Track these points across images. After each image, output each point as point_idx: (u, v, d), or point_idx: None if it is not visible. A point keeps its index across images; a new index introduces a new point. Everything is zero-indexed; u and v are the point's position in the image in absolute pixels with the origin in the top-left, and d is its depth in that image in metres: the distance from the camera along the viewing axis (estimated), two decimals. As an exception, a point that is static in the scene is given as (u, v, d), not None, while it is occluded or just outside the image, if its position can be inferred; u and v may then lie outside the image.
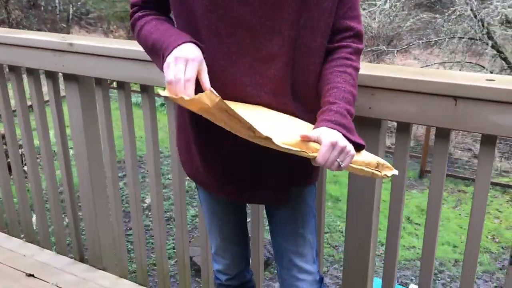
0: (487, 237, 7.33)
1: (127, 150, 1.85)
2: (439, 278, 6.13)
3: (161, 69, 1.03)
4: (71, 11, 15.90)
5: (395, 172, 1.04)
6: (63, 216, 2.23)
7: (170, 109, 1.70)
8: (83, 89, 1.87)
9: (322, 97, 1.06)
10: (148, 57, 1.59)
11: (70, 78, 1.85)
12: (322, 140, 0.94)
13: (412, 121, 1.28)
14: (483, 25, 9.43)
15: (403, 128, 1.34)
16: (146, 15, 1.15)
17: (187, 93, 0.95)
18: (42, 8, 15.61)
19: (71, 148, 1.96)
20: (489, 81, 1.18)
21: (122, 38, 16.56)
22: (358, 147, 1.01)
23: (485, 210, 1.29)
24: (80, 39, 1.77)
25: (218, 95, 0.88)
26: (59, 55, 1.79)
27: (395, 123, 1.34)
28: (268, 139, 0.91)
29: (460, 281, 1.39)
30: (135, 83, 1.72)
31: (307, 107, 1.10)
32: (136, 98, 8.24)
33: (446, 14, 11.02)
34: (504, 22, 10.11)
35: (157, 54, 1.06)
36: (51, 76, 1.93)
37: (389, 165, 1.04)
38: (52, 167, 2.12)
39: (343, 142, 0.95)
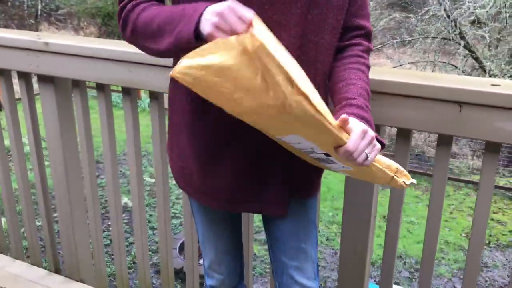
0: (461, 235, 7.44)
1: (107, 156, 1.75)
2: (415, 277, 6.18)
3: (178, 40, 0.91)
4: (39, 7, 15.44)
5: (413, 181, 0.98)
6: (36, 222, 2.11)
7: (155, 113, 1.61)
8: (59, 91, 1.75)
9: (336, 94, 1.02)
10: (131, 58, 1.51)
11: (45, 79, 1.73)
12: (353, 128, 0.88)
13: (414, 128, 1.22)
14: (455, 26, 9.57)
15: (404, 134, 1.28)
16: (141, 2, 1.02)
17: (238, 28, 0.82)
18: (9, 3, 15.12)
19: (44, 147, 1.83)
20: (495, 86, 1.13)
21: (93, 35, 16.20)
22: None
23: (488, 216, 1.25)
24: (56, 38, 1.66)
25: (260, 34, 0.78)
26: (33, 55, 1.68)
27: (394, 129, 1.29)
28: (305, 96, 0.81)
29: (420, 274, 1.35)
30: (116, 86, 1.62)
31: None
32: (115, 97, 8.06)
33: (420, 14, 11.15)
34: (476, 22, 10.29)
35: (173, 24, 0.92)
36: (24, 76, 1.80)
37: (406, 172, 0.98)
38: (24, 168, 1.99)
39: (372, 132, 0.90)
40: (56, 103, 1.75)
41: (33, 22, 15.35)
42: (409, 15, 12.12)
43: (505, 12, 7.99)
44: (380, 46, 12.03)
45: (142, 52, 1.44)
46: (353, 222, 1.43)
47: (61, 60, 1.64)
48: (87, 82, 1.74)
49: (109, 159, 1.75)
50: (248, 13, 0.80)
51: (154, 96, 1.59)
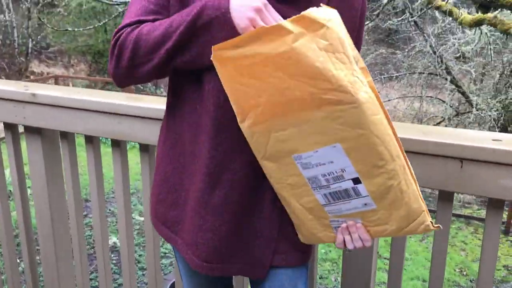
0: (454, 270, 7.35)
1: (95, 208, 1.69)
2: (412, 316, 6.05)
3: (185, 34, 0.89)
4: (30, 45, 15.51)
5: (440, 226, 0.93)
6: (18, 261, 2.00)
7: (145, 166, 1.56)
8: (46, 143, 1.70)
9: None
10: (121, 110, 1.47)
11: (32, 131, 1.69)
12: None
13: (414, 184, 1.18)
14: (441, 61, 9.73)
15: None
16: (140, 23, 0.98)
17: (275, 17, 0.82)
18: (0, 42, 15.17)
19: (29, 187, 1.76)
20: (496, 142, 1.10)
21: (84, 72, 16.26)
22: None
23: (494, 273, 1.20)
24: (44, 89, 1.62)
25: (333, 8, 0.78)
26: (20, 106, 1.63)
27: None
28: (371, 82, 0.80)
29: None
30: (106, 137, 1.57)
31: None
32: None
33: (406, 50, 11.35)
34: (461, 57, 10.48)
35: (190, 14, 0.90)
36: (10, 128, 1.75)
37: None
38: (6, 207, 1.91)
39: None
40: (43, 155, 1.70)
41: (23, 60, 15.39)
42: (396, 51, 12.33)
43: (490, 49, 8.15)
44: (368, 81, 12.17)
45: (134, 104, 1.41)
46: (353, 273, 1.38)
47: (48, 112, 1.59)
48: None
49: (97, 202, 1.68)
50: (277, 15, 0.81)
51: (145, 148, 1.54)
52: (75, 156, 1.69)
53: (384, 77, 11.55)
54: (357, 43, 1.02)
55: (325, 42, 0.77)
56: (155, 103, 1.46)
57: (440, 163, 1.13)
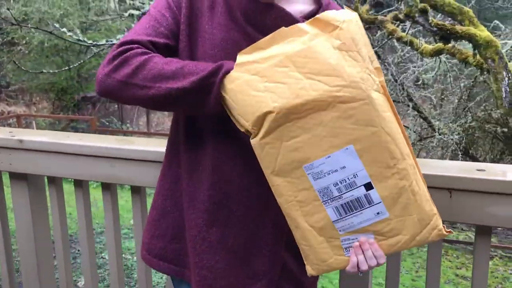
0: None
1: (85, 254, 1.67)
2: None
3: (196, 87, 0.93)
4: (-11, 84, 15.18)
5: (451, 231, 0.97)
6: None
7: (137, 208, 1.56)
8: (33, 189, 1.68)
9: None
10: (113, 154, 1.48)
11: (18, 177, 1.66)
12: None
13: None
14: (403, 88, 10.06)
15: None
16: (151, 45, 1.01)
17: None
18: (-42, 82, 14.80)
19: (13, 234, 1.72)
20: (480, 171, 1.17)
21: (46, 110, 15.96)
22: None
23: (484, 301, 1.26)
24: (31, 135, 1.61)
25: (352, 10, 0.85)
26: (5, 152, 1.62)
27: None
28: (383, 81, 0.86)
29: None
30: (96, 181, 1.57)
31: None
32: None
33: (368, 78, 11.70)
34: (421, 84, 10.87)
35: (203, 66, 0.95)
36: (-6, 174, 1.73)
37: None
38: None
39: None
40: (30, 201, 1.68)
41: (-18, 99, 15.02)
42: (358, 80, 12.70)
43: (449, 76, 8.51)
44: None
45: (125, 147, 1.42)
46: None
47: (36, 157, 1.58)
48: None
49: (87, 249, 1.66)
50: None
51: (136, 190, 1.55)
52: (63, 201, 1.68)
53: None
54: None
55: (339, 41, 0.84)
56: (147, 145, 1.48)
57: (430, 194, 1.18)
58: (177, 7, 1.04)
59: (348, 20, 0.85)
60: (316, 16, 0.88)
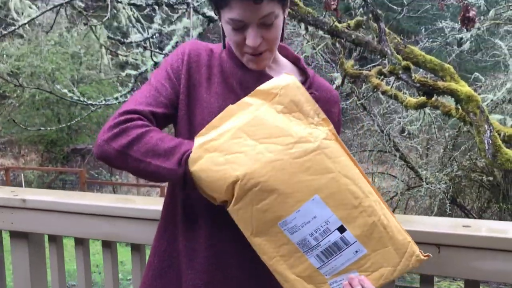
0: None
1: (83, 311, 1.68)
2: None
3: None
4: (-22, 137, 15.17)
5: (429, 254, 1.04)
6: None
7: (136, 265, 1.60)
8: (33, 247, 1.71)
9: None
10: (114, 212, 1.54)
11: (19, 235, 1.70)
12: None
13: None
14: (389, 139, 10.26)
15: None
16: (152, 116, 1.10)
17: None
18: None
19: None
20: (466, 228, 1.25)
21: (35, 162, 15.90)
22: None
23: None
24: (33, 194, 1.66)
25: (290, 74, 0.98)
26: (7, 212, 1.66)
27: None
28: (331, 128, 0.96)
29: None
30: (96, 239, 1.61)
31: None
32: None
33: (355, 129, 11.93)
34: (407, 135, 11.11)
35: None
36: (-6, 233, 1.76)
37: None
38: None
39: None
40: (29, 260, 1.70)
41: (-30, 152, 14.96)
42: (345, 130, 12.91)
43: (434, 127, 8.75)
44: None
45: (126, 206, 1.48)
46: None
47: (37, 216, 1.63)
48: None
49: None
50: None
51: (136, 248, 1.59)
52: (62, 259, 1.71)
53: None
54: None
55: (281, 106, 0.96)
56: (146, 204, 1.54)
57: (420, 249, 1.25)
58: (177, 78, 1.14)
59: (285, 85, 0.97)
60: (256, 89, 1.00)
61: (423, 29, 11.69)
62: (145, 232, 1.49)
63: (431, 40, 11.02)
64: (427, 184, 9.92)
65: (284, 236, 0.99)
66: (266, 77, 1.11)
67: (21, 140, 15.73)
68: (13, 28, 2.78)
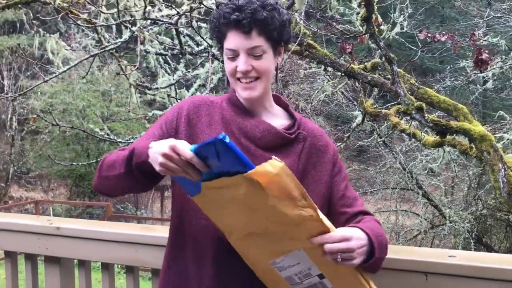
0: None
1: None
2: None
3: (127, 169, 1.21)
4: (11, 170, 15.72)
5: None
6: None
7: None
8: (64, 271, 1.90)
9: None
10: (138, 240, 1.72)
11: (52, 260, 1.89)
12: (339, 229, 1.17)
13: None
14: (412, 176, 10.26)
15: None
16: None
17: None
18: (-19, 170, 15.40)
19: None
20: (452, 257, 1.38)
21: (63, 196, 16.34)
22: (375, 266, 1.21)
23: None
24: (67, 223, 1.86)
25: (280, 160, 1.06)
26: (43, 238, 1.85)
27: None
28: (315, 209, 1.08)
29: None
30: (120, 264, 1.79)
31: None
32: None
33: (377, 166, 11.98)
34: (430, 172, 11.08)
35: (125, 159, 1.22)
36: (31, 258, 1.95)
37: None
38: None
39: (356, 242, 1.16)
40: (60, 282, 1.88)
41: (3, 185, 15.48)
42: (368, 168, 12.95)
43: (454, 166, 8.76)
44: (344, 197, 12.54)
45: (148, 234, 1.66)
46: None
47: (70, 243, 1.82)
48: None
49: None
50: (188, 152, 1.07)
51: (156, 273, 1.76)
52: (90, 282, 1.88)
53: (359, 192, 12.00)
54: (343, 182, 1.37)
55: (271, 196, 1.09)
56: (167, 232, 1.71)
57: (409, 277, 1.39)
58: (169, 129, 1.35)
59: (273, 173, 1.06)
60: (245, 175, 1.07)
61: (448, 68, 11.83)
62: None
63: (452, 78, 11.13)
64: (450, 222, 9.83)
65: (276, 271, 1.21)
66: (263, 124, 1.31)
67: (51, 174, 16.23)
68: (54, 75, 3.07)
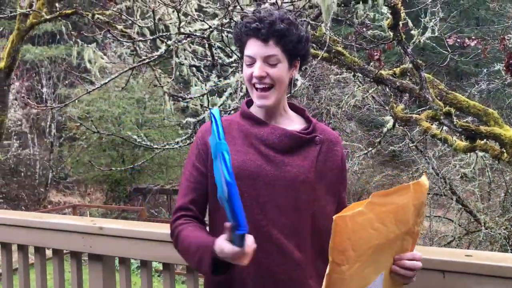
0: None
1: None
2: None
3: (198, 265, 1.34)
4: (50, 176, 16.29)
5: None
6: None
7: (190, 286, 1.88)
8: (106, 268, 2.05)
9: None
10: (169, 238, 1.84)
11: (95, 258, 2.04)
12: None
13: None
14: (445, 182, 10.14)
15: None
16: (184, 223, 1.42)
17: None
18: (22, 174, 16.00)
19: None
20: (468, 257, 1.45)
21: (99, 201, 16.81)
22: None
23: None
24: (108, 223, 2.01)
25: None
26: (88, 237, 2.01)
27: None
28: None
29: None
30: (158, 262, 1.92)
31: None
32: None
33: (410, 171, 11.87)
34: (464, 177, 10.92)
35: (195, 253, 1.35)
36: (76, 256, 2.11)
37: None
38: None
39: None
40: (103, 279, 2.04)
41: (42, 190, 16.06)
42: (401, 173, 12.83)
43: (487, 171, 8.62)
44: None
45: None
46: None
47: (111, 242, 1.96)
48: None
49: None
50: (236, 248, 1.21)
51: (190, 270, 1.89)
52: (130, 280, 2.03)
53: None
54: (344, 191, 1.51)
55: (420, 201, 1.28)
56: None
57: (426, 275, 1.46)
58: (200, 161, 1.46)
59: (427, 187, 1.25)
60: (417, 182, 1.28)
61: (483, 71, 11.65)
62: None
63: (488, 82, 10.94)
64: (486, 229, 9.66)
65: None
66: (277, 129, 1.42)
67: (87, 179, 16.73)
68: (96, 87, 3.26)
